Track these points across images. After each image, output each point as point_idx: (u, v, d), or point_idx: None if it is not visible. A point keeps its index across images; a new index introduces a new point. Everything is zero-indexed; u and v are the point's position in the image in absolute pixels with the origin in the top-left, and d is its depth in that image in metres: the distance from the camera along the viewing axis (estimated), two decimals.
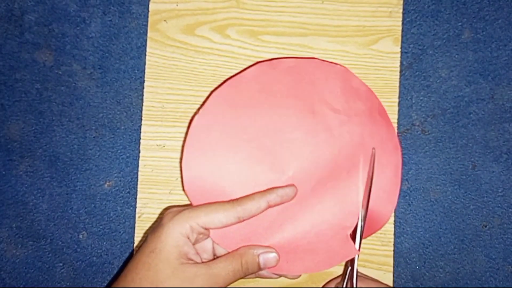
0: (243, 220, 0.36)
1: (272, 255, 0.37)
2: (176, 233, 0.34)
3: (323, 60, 0.42)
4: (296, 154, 0.41)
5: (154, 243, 0.34)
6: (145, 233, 0.45)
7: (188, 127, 0.42)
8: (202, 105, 0.44)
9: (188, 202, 0.44)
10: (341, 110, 0.41)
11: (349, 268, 0.40)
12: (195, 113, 0.43)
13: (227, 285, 0.35)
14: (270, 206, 0.37)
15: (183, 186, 0.40)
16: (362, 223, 0.39)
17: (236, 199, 0.37)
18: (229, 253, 0.37)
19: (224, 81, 0.42)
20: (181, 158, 0.43)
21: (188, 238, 0.34)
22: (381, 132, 0.42)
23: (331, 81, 0.42)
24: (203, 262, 0.35)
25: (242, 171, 0.40)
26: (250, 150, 0.40)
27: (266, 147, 0.41)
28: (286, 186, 0.39)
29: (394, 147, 0.42)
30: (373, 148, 0.41)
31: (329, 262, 0.39)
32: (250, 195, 0.37)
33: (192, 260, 0.34)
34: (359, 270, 0.44)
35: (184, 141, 0.42)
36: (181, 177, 0.41)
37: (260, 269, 0.37)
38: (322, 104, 0.41)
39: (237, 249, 0.37)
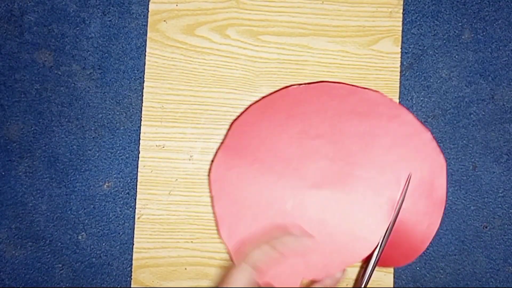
0: (263, 269, 0.37)
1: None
2: None
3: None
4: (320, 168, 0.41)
5: None
6: (145, 234, 0.44)
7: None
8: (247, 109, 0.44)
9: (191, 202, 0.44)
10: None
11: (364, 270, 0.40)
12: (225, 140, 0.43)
13: None
14: (283, 256, 0.38)
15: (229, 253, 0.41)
16: (380, 249, 0.40)
17: (245, 254, 0.37)
18: None
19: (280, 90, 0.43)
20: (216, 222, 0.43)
21: None
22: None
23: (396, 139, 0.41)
24: None
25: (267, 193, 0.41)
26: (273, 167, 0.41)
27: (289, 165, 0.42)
28: (303, 237, 0.39)
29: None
30: (410, 173, 0.41)
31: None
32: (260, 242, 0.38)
33: None
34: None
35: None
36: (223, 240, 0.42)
37: None
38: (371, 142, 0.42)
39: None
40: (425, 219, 0.41)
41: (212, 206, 0.42)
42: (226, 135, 0.43)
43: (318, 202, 0.40)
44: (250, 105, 0.43)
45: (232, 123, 0.43)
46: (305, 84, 0.43)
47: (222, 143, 0.43)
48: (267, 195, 0.41)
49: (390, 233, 0.40)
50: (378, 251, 0.39)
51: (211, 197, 0.42)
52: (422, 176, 0.41)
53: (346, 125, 0.41)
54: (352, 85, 0.43)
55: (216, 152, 0.43)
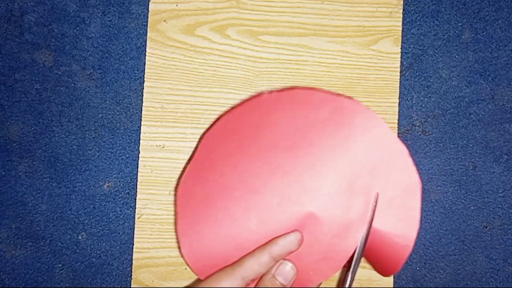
0: (253, 279, 0.35)
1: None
2: None
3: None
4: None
5: None
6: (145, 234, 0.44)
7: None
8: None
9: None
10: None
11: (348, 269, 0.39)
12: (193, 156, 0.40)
13: None
14: (275, 259, 0.36)
15: (182, 256, 0.39)
16: (361, 248, 0.37)
17: (237, 261, 0.36)
18: None
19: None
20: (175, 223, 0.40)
21: None
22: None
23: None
24: None
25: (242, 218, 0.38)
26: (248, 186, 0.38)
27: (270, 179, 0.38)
28: (289, 233, 0.37)
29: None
30: (377, 193, 0.38)
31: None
32: (251, 252, 0.36)
33: None
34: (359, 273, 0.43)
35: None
36: (179, 248, 0.39)
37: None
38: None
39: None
40: (398, 240, 0.38)
41: (175, 223, 0.40)
42: (196, 148, 0.40)
43: (284, 220, 0.38)
44: (222, 116, 0.40)
45: (203, 135, 0.41)
46: (276, 91, 0.39)
47: (191, 156, 0.40)
48: (232, 213, 0.38)
49: (363, 247, 0.37)
50: (359, 251, 0.37)
51: (176, 213, 0.40)
52: (394, 194, 0.37)
53: (317, 136, 0.38)
54: (327, 92, 0.38)
55: (185, 166, 0.40)
